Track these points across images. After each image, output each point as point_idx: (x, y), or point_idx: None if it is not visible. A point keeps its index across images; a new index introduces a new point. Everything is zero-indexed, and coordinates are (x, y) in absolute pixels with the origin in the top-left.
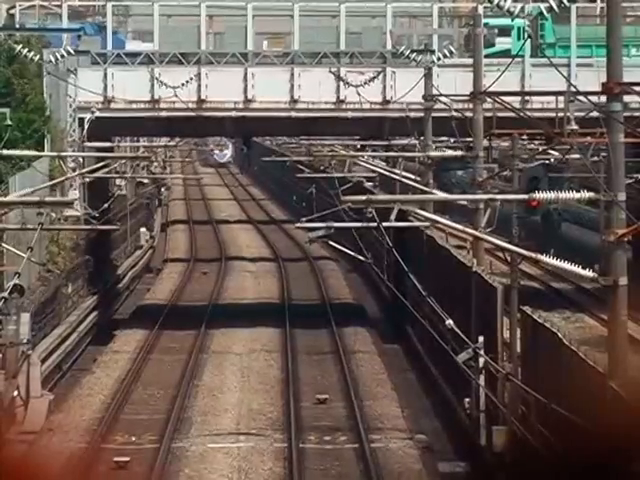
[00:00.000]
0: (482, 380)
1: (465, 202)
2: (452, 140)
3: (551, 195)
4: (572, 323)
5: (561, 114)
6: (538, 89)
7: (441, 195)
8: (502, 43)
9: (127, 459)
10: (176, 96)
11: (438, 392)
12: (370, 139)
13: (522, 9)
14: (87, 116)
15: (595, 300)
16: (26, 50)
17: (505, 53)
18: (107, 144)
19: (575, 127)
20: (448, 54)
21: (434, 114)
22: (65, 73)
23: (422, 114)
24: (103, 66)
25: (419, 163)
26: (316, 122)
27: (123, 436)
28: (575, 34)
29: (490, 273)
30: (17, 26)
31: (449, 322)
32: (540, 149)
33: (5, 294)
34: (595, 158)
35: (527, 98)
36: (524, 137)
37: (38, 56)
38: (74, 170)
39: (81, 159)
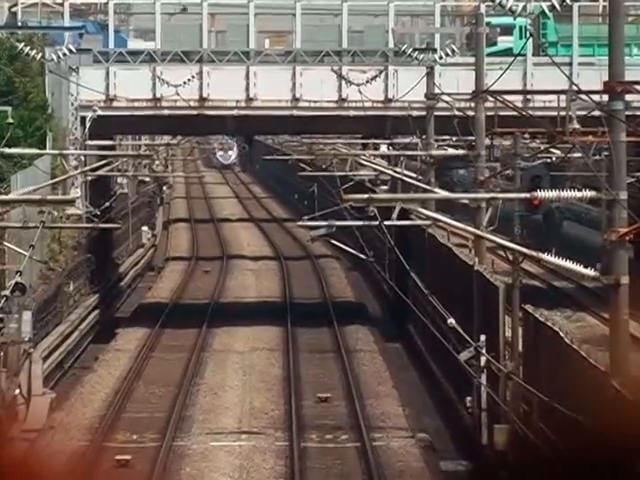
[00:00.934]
0: (484, 379)
1: (467, 201)
2: (454, 139)
3: (553, 194)
4: (574, 322)
5: (563, 113)
6: (540, 88)
7: (443, 194)
8: (504, 42)
9: (129, 457)
10: (178, 94)
11: (440, 391)
12: (372, 138)
13: (524, 8)
14: (89, 114)
15: (597, 299)
16: (28, 48)
17: (507, 52)
18: (109, 142)
19: (577, 126)
20: (450, 53)
21: (436, 113)
22: (67, 71)
23: (424, 113)
24: (105, 64)
25: (421, 162)
26: (318, 121)
27: (125, 434)
28: (577, 33)
29: (492, 272)
30: (19, 24)
31: (451, 321)
32: (542, 148)
33: (7, 292)
34: (597, 157)
35: (529, 97)
36: (526, 136)
37: (40, 54)
38: (76, 168)
39: (83, 157)
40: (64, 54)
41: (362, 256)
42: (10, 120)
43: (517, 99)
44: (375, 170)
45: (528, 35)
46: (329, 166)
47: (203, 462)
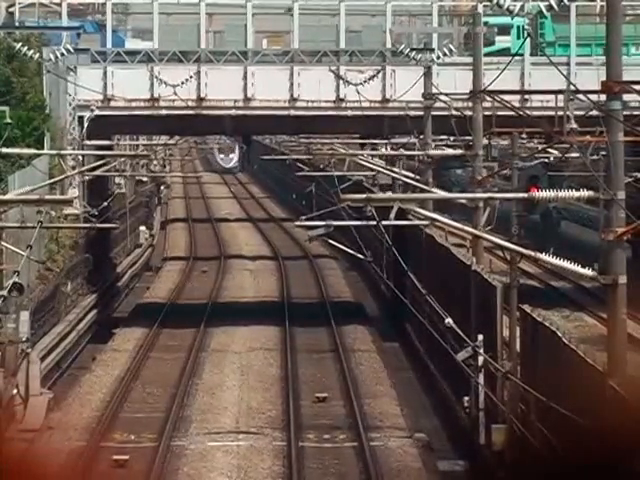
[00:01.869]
0: (481, 379)
1: (464, 201)
2: (452, 139)
3: (550, 194)
4: (571, 322)
5: (561, 113)
6: (538, 88)
7: (440, 194)
8: (502, 42)
9: (126, 457)
10: (176, 94)
11: (437, 390)
12: (370, 138)
13: (522, 8)
14: (87, 114)
15: (594, 299)
16: (26, 48)
17: (505, 52)
18: (107, 142)
19: (574, 126)
20: (448, 53)
21: (434, 113)
22: (65, 71)
23: (422, 113)
24: (103, 64)
25: (419, 162)
26: (316, 120)
27: (122, 434)
28: (575, 33)
29: (489, 272)
30: (17, 24)
31: (448, 320)
32: (540, 148)
33: (4, 292)
34: (594, 157)
35: (527, 97)
36: (524, 136)
37: (38, 54)
38: (73, 168)
39: (81, 157)
40: (62, 54)
41: (360, 256)
42: (8, 120)
43: (515, 99)
44: (373, 170)
45: (526, 35)
46: (327, 166)
47: (201, 462)
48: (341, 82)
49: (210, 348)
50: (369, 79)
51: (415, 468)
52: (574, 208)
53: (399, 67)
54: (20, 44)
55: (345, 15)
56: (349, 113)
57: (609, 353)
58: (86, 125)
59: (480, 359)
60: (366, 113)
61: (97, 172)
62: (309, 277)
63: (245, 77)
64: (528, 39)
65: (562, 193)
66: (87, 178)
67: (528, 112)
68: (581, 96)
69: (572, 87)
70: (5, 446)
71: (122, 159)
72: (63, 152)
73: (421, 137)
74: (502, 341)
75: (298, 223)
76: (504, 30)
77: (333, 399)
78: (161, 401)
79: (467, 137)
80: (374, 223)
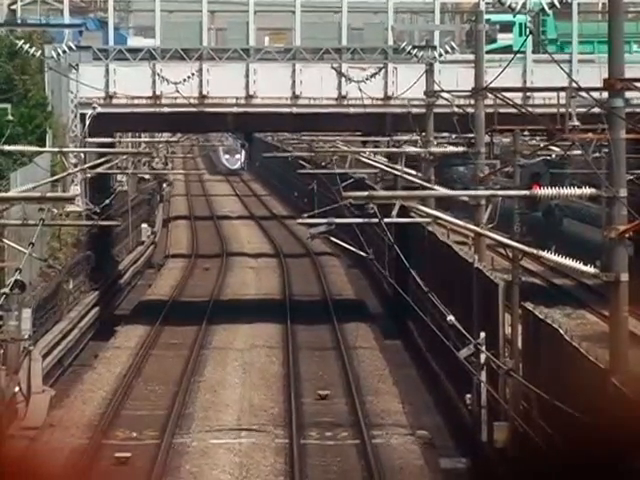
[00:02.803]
0: (483, 376)
1: (466, 198)
2: (454, 136)
3: (552, 191)
4: (573, 319)
5: (563, 110)
6: (540, 85)
7: (442, 191)
8: (504, 39)
9: (128, 455)
10: (178, 92)
11: (439, 388)
12: (372, 135)
13: (524, 5)
14: (89, 112)
15: (596, 296)
16: (28, 46)
17: (507, 49)
18: (109, 140)
19: (577, 123)
20: (450, 50)
21: (436, 110)
22: (67, 69)
23: (424, 110)
24: (105, 62)
25: (421, 159)
26: (317, 118)
27: (124, 432)
28: (577, 30)
29: (491, 269)
30: (19, 22)
31: (450, 318)
32: (542, 145)
33: (6, 290)
34: (596, 154)
35: (529, 94)
36: (525, 133)
37: (40, 52)
38: (75, 166)
39: (83, 155)
40: (64, 51)
41: (362, 253)
42: (10, 117)
43: (517, 96)
44: (375, 167)
45: (528, 32)
46: (329, 163)
47: (203, 459)
48: (343, 79)
49: (212, 346)
50: (371, 76)
51: (417, 465)
52: (576, 205)
53: (401, 64)
54: (22, 41)
55: (347, 12)
56: (351, 110)
57: (611, 350)
58: (88, 122)
59: (482, 356)
60: (368, 110)
61: (99, 169)
62: (311, 275)
63: (247, 74)
64: (530, 36)
65: (564, 190)
66: (89, 175)
67: (530, 109)
68: (583, 93)
69: (574, 84)
70: (7, 443)
71: (124, 156)
72: (65, 150)
73: (423, 134)
74: (504, 338)
75: (300, 220)
76: (506, 27)
77: (335, 396)
78: (163, 398)
79: (469, 134)
80: (376, 221)
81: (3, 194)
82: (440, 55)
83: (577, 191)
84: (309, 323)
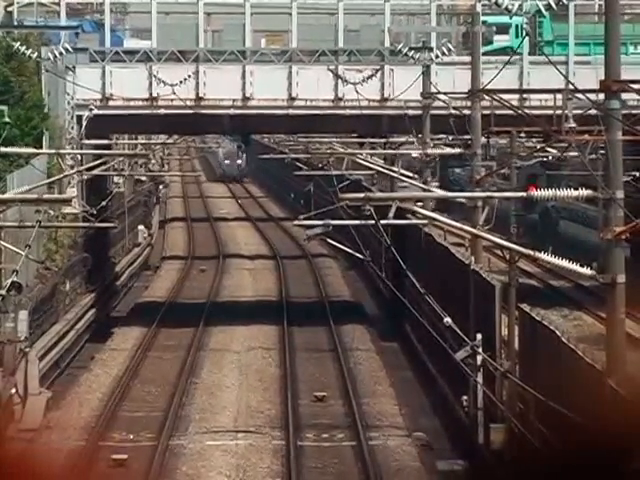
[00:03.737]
0: (480, 378)
1: (463, 200)
2: (450, 138)
3: (549, 193)
4: (570, 321)
5: (559, 112)
6: (536, 87)
7: (439, 193)
8: (500, 41)
9: (125, 457)
10: (174, 94)
11: (436, 390)
12: (368, 137)
13: (520, 7)
14: (85, 113)
15: (593, 298)
16: (24, 47)
17: (503, 51)
18: (105, 141)
19: (573, 125)
20: (446, 52)
21: (432, 112)
22: (63, 70)
23: (420, 112)
24: (101, 63)
25: (417, 161)
26: (314, 120)
27: (121, 434)
28: (573, 32)
29: (488, 271)
30: (15, 23)
31: (447, 320)
32: (538, 147)
33: (3, 291)
34: (593, 156)
35: (525, 96)
36: (522, 135)
37: (36, 53)
38: (72, 167)
39: (79, 156)
40: (60, 53)
41: (359, 255)
42: (6, 119)
43: (513, 98)
44: (372, 169)
45: (524, 34)
46: (325, 165)
47: (200, 461)
48: (340, 81)
49: (209, 347)
50: (368, 78)
51: (414, 467)
52: (573, 207)
53: (398, 66)
54: (19, 43)
55: (344, 14)
56: (347, 112)
57: (608, 352)
58: (85, 124)
59: (479, 358)
60: (365, 112)
61: (96, 171)
62: (308, 276)
63: (244, 76)
64: (527, 38)
65: (561, 192)
66: (86, 177)
67: (527, 111)
68: (580, 95)
69: (571, 86)
70: (3, 445)
71: (121, 158)
72: (62, 151)
73: (419, 136)
74: (501, 340)
75: (296, 222)
76: (503, 29)
77: (332, 398)
78: (160, 400)
79: (466, 136)
80: (373, 222)
81: (0, 196)
82: (437, 57)
83: (574, 193)
84: (306, 325)
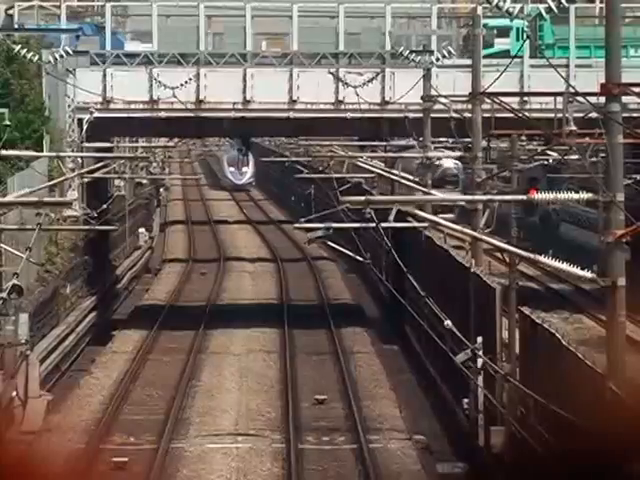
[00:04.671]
0: (480, 381)
1: (464, 203)
2: (451, 141)
3: (550, 196)
4: (571, 324)
5: (560, 115)
6: (537, 90)
7: (440, 196)
8: (501, 44)
9: (125, 460)
10: (175, 97)
11: (437, 393)
12: (369, 140)
13: (521, 10)
14: (86, 116)
15: (594, 301)
16: (25, 50)
17: (504, 54)
18: (106, 144)
19: (574, 128)
20: (447, 55)
21: (433, 115)
22: (64, 73)
23: (421, 115)
24: (102, 66)
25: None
26: (315, 123)
27: (121, 437)
28: (574, 35)
29: (488, 274)
30: (16, 26)
31: (447, 323)
32: (539, 150)
33: (4, 294)
34: (594, 159)
35: (526, 99)
36: (523, 138)
37: (37, 56)
38: (73, 170)
39: (80, 159)
40: (61, 56)
41: (359, 258)
42: (7, 122)
43: (514, 101)
44: (372, 172)
45: (525, 37)
46: (326, 168)
47: (200, 464)
48: (340, 84)
49: (209, 350)
50: (368, 81)
51: (414, 470)
52: (573, 210)
53: (398, 69)
54: (19, 46)
55: (344, 17)
56: (348, 115)
57: (608, 355)
58: (85, 127)
59: (479, 361)
60: (365, 115)
61: (96, 174)
62: (308, 279)
63: (244, 79)
64: (527, 41)
65: (561, 195)
66: (86, 180)
67: (527, 114)
68: (580, 98)
69: (571, 89)
70: (4, 448)
71: (121, 161)
72: (62, 154)
73: (420, 139)
74: (501, 343)
75: (297, 225)
76: (503, 32)
77: (332, 401)
78: (160, 403)
79: (466, 139)
80: (373, 225)
81: (0, 199)
82: (437, 60)
83: (574, 196)
84: (306, 328)
